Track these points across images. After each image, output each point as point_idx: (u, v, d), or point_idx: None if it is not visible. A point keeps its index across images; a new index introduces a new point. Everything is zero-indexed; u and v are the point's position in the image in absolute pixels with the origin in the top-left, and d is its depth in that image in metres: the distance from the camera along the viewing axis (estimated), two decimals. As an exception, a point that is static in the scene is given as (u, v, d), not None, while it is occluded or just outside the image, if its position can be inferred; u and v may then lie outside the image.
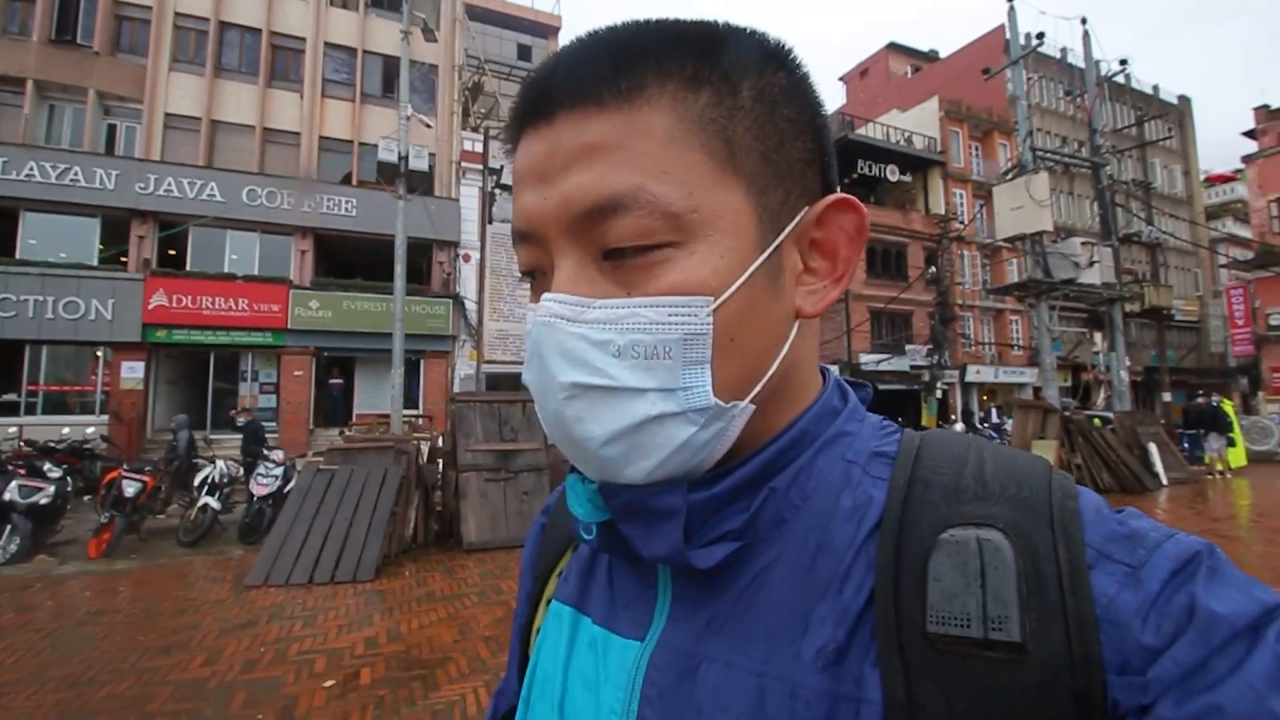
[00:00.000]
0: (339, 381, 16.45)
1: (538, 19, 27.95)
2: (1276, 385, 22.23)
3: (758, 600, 0.37)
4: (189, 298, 14.06)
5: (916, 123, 26.49)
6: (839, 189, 0.41)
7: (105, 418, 13.41)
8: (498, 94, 21.19)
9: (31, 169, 13.51)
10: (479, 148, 18.78)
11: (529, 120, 0.37)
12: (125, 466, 7.56)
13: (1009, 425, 15.86)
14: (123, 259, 14.36)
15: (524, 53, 27.96)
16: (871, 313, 21.76)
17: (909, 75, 34.74)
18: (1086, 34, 14.37)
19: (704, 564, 0.36)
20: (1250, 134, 25.32)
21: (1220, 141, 42.00)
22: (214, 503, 7.78)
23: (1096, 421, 12.56)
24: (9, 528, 6.74)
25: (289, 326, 14.88)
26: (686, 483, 0.37)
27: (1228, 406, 14.56)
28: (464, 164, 17.55)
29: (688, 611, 0.39)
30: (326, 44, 16.79)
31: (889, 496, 0.37)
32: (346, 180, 16.43)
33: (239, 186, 14.89)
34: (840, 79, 39.50)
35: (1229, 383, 25.56)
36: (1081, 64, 15.83)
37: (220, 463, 8.21)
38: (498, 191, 8.81)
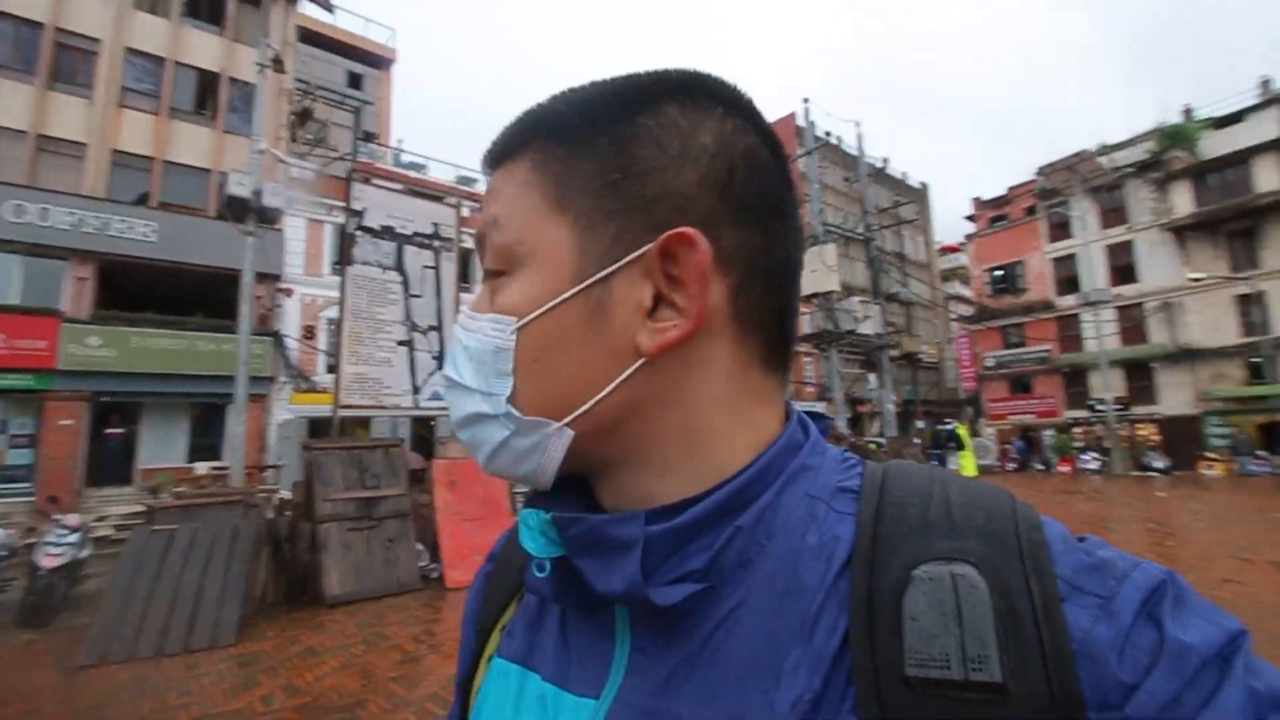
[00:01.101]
0: (119, 431, 14.13)
1: (371, 49, 27.13)
2: (993, 412, 28.48)
3: (725, 648, 0.35)
4: (-86, 331, 11.36)
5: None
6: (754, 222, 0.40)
7: None
8: (329, 121, 20.15)
9: None
10: (307, 175, 17.75)
11: (484, 169, 0.44)
12: None
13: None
14: None
15: (355, 80, 26.85)
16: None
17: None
18: (860, 135, 17.89)
19: (665, 600, 0.35)
20: (970, 218, 32.57)
21: (948, 221, 52.96)
22: (-12, 581, 6.52)
23: (873, 446, 15.34)
24: None
25: (58, 367, 12.60)
26: (644, 513, 0.37)
27: (962, 430, 18.57)
28: (289, 192, 16.43)
29: (648, 663, 0.36)
30: (128, 49, 14.87)
31: (857, 533, 0.36)
32: (143, 200, 14.52)
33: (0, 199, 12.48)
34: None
35: (961, 411, 31.95)
36: (854, 151, 19.53)
37: (-3, 531, 6.88)
38: (359, 233, 8.69)
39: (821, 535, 0.37)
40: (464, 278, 12.45)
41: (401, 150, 27.35)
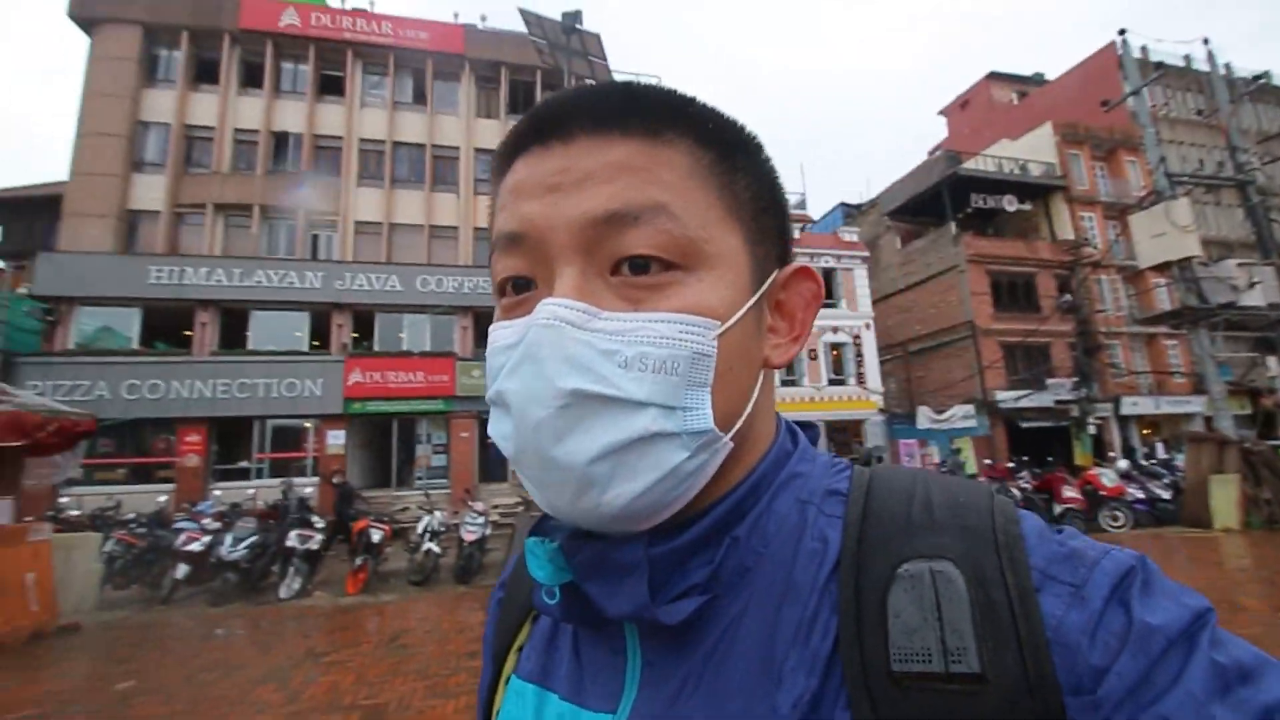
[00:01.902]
0: (495, 441, 18.35)
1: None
2: None
3: (730, 655, 0.36)
4: (377, 374, 16.51)
5: (1030, 150, 25.92)
6: (796, 254, 0.44)
7: (315, 479, 15.83)
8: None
9: (259, 276, 16.66)
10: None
11: (540, 138, 0.39)
12: (371, 518, 9.21)
13: (1179, 460, 14.83)
14: (316, 344, 17.16)
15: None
16: (1005, 348, 21.11)
17: (1014, 102, 33.97)
18: (1211, 54, 13.94)
19: (672, 619, 0.36)
20: None
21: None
22: (435, 548, 9.21)
23: (1284, 451, 11.65)
24: (291, 569, 8.44)
25: (456, 394, 16.98)
26: (646, 537, 0.38)
27: None
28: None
29: (659, 676, 0.38)
30: (476, 149, 19.57)
31: (844, 535, 0.38)
32: (495, 263, 18.80)
33: (412, 277, 17.48)
34: (940, 113, 39.21)
35: None
36: (1207, 68, 15.25)
37: (437, 513, 9.70)
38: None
39: (813, 539, 0.39)
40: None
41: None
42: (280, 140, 18.79)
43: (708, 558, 0.39)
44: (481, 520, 9.48)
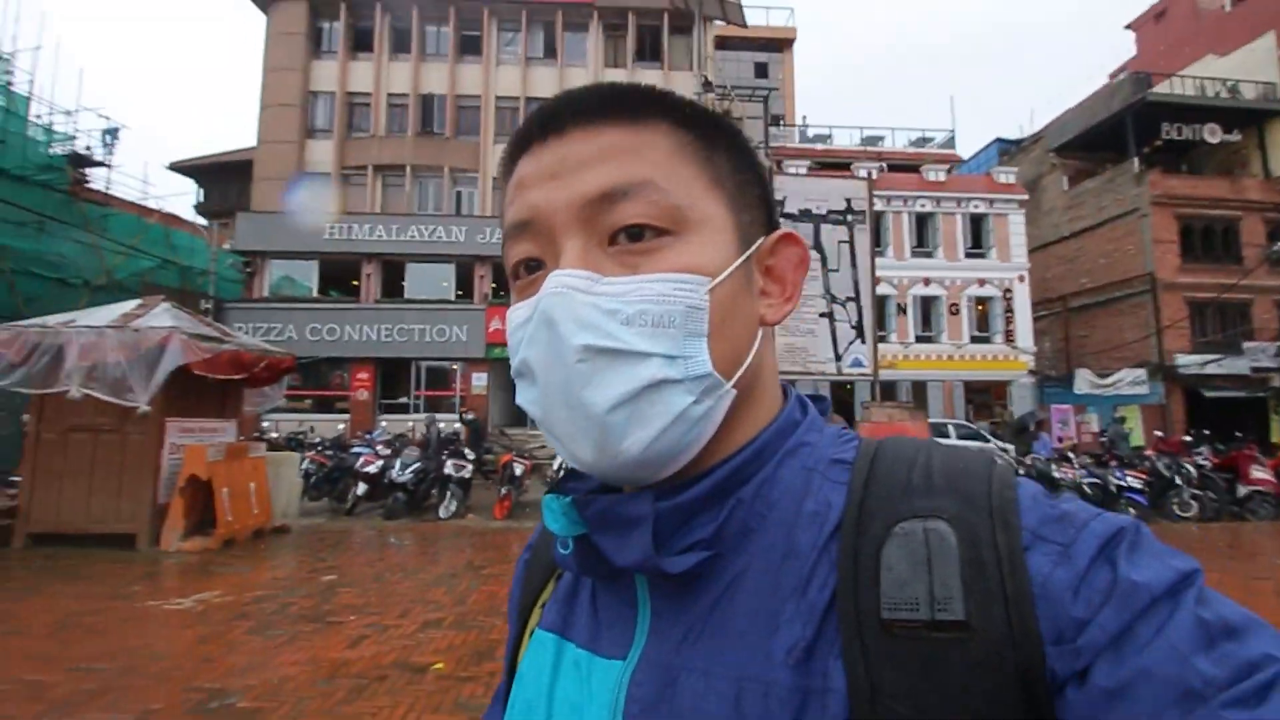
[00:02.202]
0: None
1: (773, 36, 28.93)
2: None
3: (731, 608, 0.39)
4: (514, 322, 17.65)
5: (1243, 68, 21.70)
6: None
7: (456, 416, 17.45)
8: (745, 116, 22.58)
9: (412, 232, 18.24)
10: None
11: (537, 136, 0.43)
12: (515, 453, 10.11)
13: None
14: (460, 293, 18.58)
15: (760, 70, 29.13)
16: (1192, 305, 18.39)
17: (1227, 9, 28.26)
18: None
19: (675, 569, 0.39)
20: None
21: None
22: (569, 484, 9.96)
23: None
24: (449, 493, 9.53)
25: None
26: (653, 492, 0.41)
27: None
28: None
29: (666, 625, 0.41)
30: (604, 100, 19.77)
31: (847, 499, 0.39)
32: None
33: (544, 230, 18.26)
34: (1128, 27, 33.56)
35: None
36: None
37: (570, 453, 10.44)
38: (781, 220, 9.84)
39: (816, 503, 0.41)
40: (876, 242, 12.64)
41: (806, 126, 28.35)
42: (426, 102, 20.09)
43: (712, 516, 0.41)
44: (610, 462, 10.07)
